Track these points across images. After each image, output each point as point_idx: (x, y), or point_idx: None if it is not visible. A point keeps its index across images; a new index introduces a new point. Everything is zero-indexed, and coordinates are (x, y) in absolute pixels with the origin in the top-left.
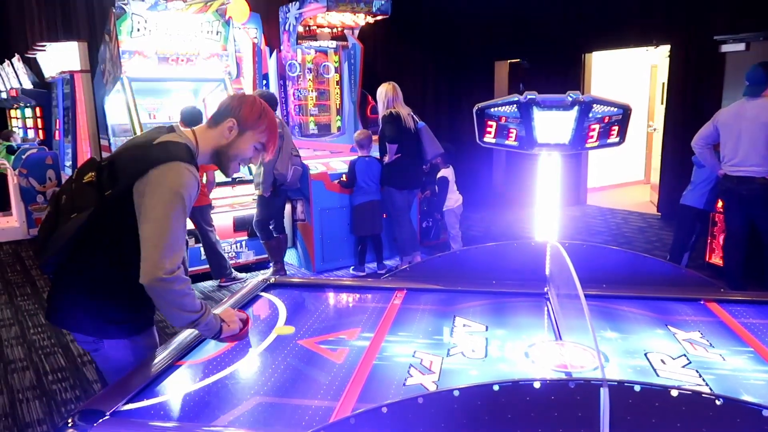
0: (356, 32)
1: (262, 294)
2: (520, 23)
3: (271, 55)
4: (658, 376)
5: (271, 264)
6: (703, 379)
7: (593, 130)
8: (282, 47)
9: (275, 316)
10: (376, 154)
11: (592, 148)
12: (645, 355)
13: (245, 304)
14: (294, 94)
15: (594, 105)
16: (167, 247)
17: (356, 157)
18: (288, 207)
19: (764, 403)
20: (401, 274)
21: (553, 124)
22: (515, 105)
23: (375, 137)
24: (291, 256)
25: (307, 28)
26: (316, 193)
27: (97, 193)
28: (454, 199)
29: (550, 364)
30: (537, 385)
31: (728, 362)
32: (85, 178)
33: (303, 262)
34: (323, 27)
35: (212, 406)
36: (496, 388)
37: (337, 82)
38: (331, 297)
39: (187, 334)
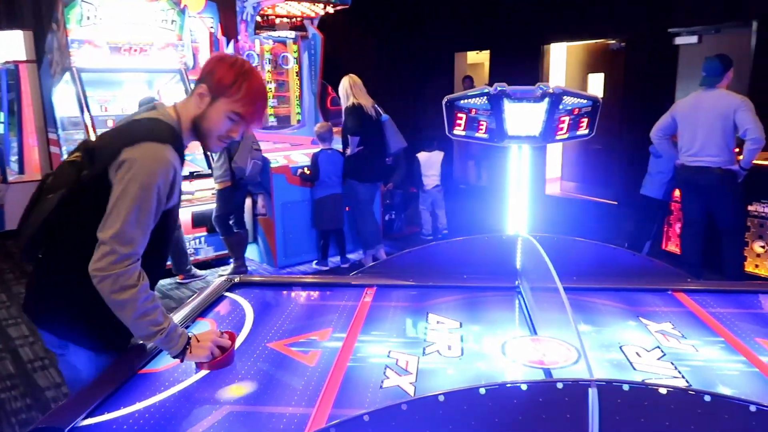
0: (316, 22)
1: (227, 294)
2: (480, 14)
3: (228, 45)
4: (635, 369)
5: (231, 260)
6: (679, 371)
7: (563, 122)
8: (239, 37)
9: (242, 318)
10: (338, 146)
11: (563, 140)
12: (620, 348)
13: (209, 306)
14: None
15: (564, 97)
16: (120, 237)
17: (318, 149)
18: (248, 201)
19: (744, 396)
20: (370, 271)
21: (524, 117)
22: (485, 97)
23: (337, 129)
24: (252, 252)
25: (266, 18)
26: (278, 186)
27: (77, 173)
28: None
29: (526, 360)
30: (524, 387)
31: (701, 353)
32: (71, 156)
33: (265, 258)
34: (282, 17)
35: (179, 418)
36: (482, 391)
37: (296, 73)
38: (300, 296)
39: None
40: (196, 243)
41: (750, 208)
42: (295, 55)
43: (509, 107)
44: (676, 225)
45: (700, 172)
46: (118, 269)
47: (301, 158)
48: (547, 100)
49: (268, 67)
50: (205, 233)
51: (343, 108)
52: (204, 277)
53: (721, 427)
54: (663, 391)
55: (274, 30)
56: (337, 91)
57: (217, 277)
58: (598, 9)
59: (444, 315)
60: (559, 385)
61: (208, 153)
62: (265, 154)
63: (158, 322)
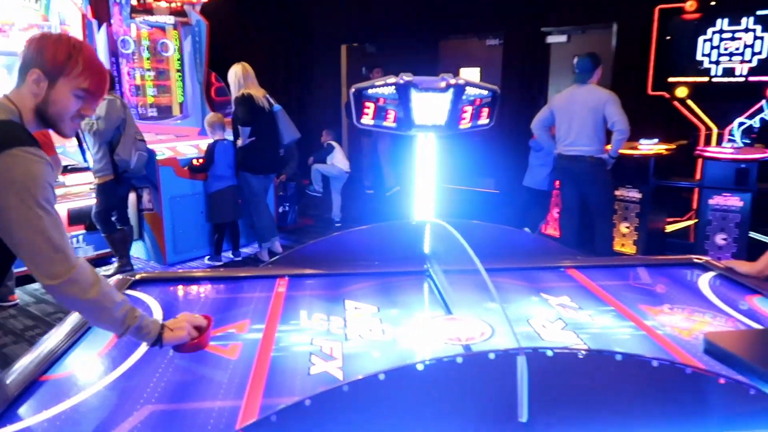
0: (198, 8)
1: (128, 292)
2: (370, 7)
3: (99, 30)
4: (543, 340)
5: (114, 259)
6: (581, 339)
7: (466, 112)
8: (112, 21)
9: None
10: (230, 137)
11: (466, 130)
12: (527, 321)
13: None
14: (129, 74)
15: (467, 88)
16: (52, 250)
17: (213, 140)
18: (132, 196)
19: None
20: (281, 261)
21: (430, 106)
22: (394, 87)
23: (228, 120)
24: (138, 249)
25: (142, 2)
26: (165, 180)
27: None
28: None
29: (445, 338)
30: (460, 360)
31: (596, 321)
32: None
33: (152, 255)
34: (160, 0)
35: (96, 422)
36: (420, 367)
37: (178, 60)
38: (209, 290)
39: (51, 341)
40: (73, 242)
41: (617, 192)
42: (176, 42)
43: (416, 97)
44: (554, 210)
45: (574, 160)
46: (70, 274)
47: (189, 150)
48: (451, 90)
49: (146, 54)
50: (83, 231)
51: (233, 98)
52: None
53: (630, 381)
54: (581, 355)
55: (152, 14)
56: (223, 80)
57: None
58: (479, 7)
59: (360, 301)
60: (491, 356)
61: (84, 145)
62: (150, 146)
63: (128, 309)
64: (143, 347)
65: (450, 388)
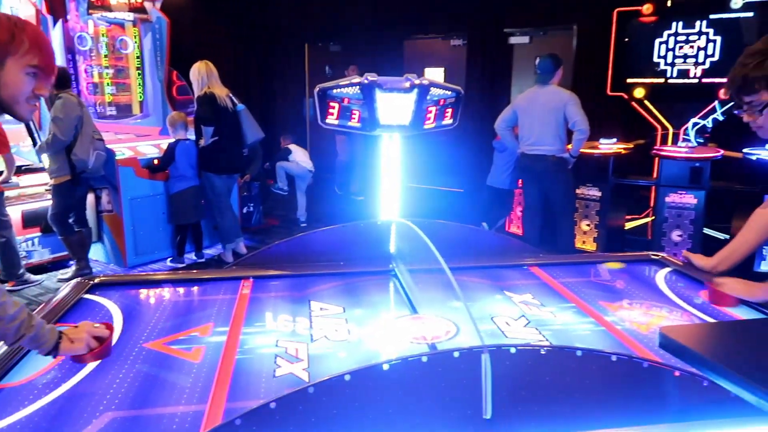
0: (158, 4)
1: (87, 296)
2: (335, 6)
3: (55, 26)
4: (506, 337)
5: (72, 262)
6: (543, 335)
7: (430, 112)
8: (69, 17)
9: (108, 321)
10: (192, 137)
11: (430, 130)
12: (491, 319)
13: (66, 312)
14: (86, 71)
15: (431, 88)
16: None
17: (174, 140)
18: (91, 197)
19: (607, 349)
20: (245, 263)
21: (395, 106)
22: (358, 87)
23: (190, 119)
24: (97, 252)
25: None
26: (125, 180)
27: None
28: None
29: (410, 337)
30: (425, 359)
31: (558, 318)
32: None
33: (112, 258)
34: None
35: (54, 431)
36: (386, 367)
37: (137, 58)
38: (171, 292)
39: (4, 348)
40: (28, 245)
41: (578, 191)
42: (136, 39)
43: (381, 97)
44: (517, 209)
45: (537, 159)
46: None
47: (149, 150)
48: (415, 91)
49: (104, 51)
50: (38, 234)
51: (196, 97)
52: (39, 282)
53: (590, 376)
54: (543, 351)
55: (110, 11)
56: (185, 79)
57: (57, 281)
58: (443, 8)
59: (326, 301)
60: (456, 354)
61: (37, 145)
62: (109, 146)
63: (24, 319)
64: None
65: (416, 387)
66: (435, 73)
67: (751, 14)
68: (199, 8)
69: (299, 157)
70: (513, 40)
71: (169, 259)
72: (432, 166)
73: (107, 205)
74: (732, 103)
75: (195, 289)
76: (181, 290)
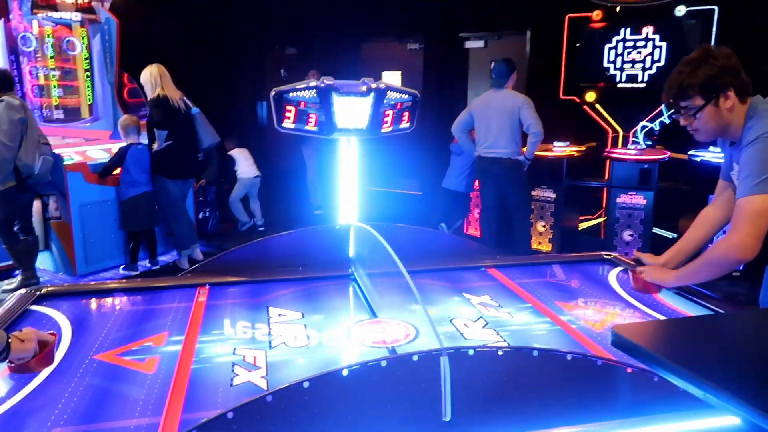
0: (107, 5)
1: (34, 308)
2: (291, 9)
3: None
4: (465, 339)
5: (18, 272)
6: (501, 336)
7: (388, 115)
8: (11, 16)
9: (57, 332)
10: (146, 141)
11: (387, 134)
12: (450, 321)
13: (11, 324)
14: (31, 73)
15: (388, 92)
16: None
17: (126, 144)
18: (37, 204)
19: (562, 348)
20: (201, 269)
21: (352, 110)
22: (315, 90)
23: (143, 123)
24: (44, 261)
25: None
26: (74, 186)
27: None
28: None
29: (370, 341)
30: (384, 363)
31: (515, 318)
32: None
33: (60, 266)
34: None
35: None
36: (345, 372)
37: (86, 59)
38: (123, 301)
39: None
40: None
41: (534, 193)
42: (84, 40)
43: (338, 101)
44: (475, 211)
45: (493, 162)
46: None
47: (100, 154)
48: (372, 94)
49: (50, 52)
50: None
51: (148, 99)
52: None
53: (547, 375)
54: (500, 352)
55: (56, 10)
56: (136, 82)
57: (2, 292)
58: (400, 12)
59: (284, 307)
60: (415, 357)
61: None
62: (56, 151)
63: None
64: (51, 366)
65: (376, 391)
66: (392, 77)
67: (693, 22)
68: (151, 10)
69: (243, 168)
70: (468, 44)
71: (122, 267)
72: (390, 169)
73: (55, 212)
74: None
75: (149, 297)
76: (134, 299)
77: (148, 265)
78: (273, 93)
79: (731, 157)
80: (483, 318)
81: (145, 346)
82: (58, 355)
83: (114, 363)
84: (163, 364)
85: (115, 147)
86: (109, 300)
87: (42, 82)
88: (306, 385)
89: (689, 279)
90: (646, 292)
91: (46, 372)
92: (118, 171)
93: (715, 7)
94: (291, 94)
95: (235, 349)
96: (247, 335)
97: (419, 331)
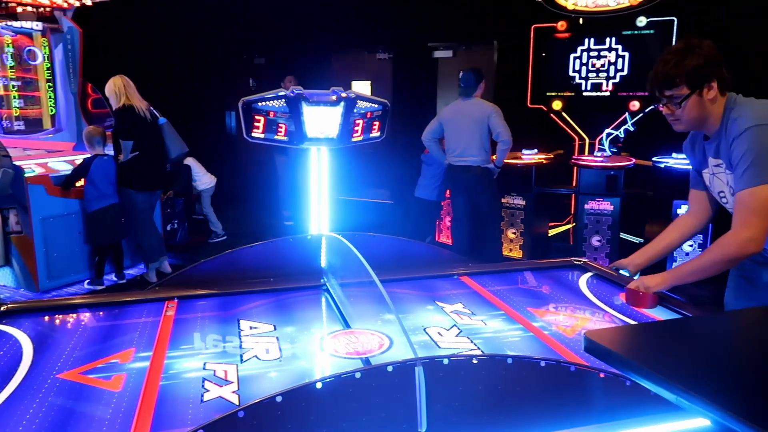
0: (69, 14)
1: None
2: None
3: None
4: (439, 347)
5: None
6: (475, 344)
7: (358, 125)
8: None
9: (17, 351)
10: (111, 152)
11: (358, 143)
12: (424, 330)
13: None
14: None
15: (358, 101)
16: None
17: (91, 155)
18: None
19: (536, 355)
20: (170, 282)
21: (322, 119)
22: (284, 99)
23: (109, 134)
24: (5, 277)
25: (4, 5)
26: (36, 199)
27: None
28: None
29: (343, 352)
30: (358, 375)
31: (489, 326)
32: None
33: (22, 282)
34: (25, 5)
35: None
36: (319, 385)
37: (48, 69)
38: (88, 317)
39: None
40: None
41: (503, 200)
42: (45, 50)
43: (307, 110)
44: (446, 219)
45: (463, 170)
46: None
47: (62, 166)
48: (342, 104)
49: (9, 62)
50: None
51: (114, 110)
52: None
53: (521, 382)
54: (475, 360)
55: (16, 19)
56: (101, 92)
57: None
58: (369, 24)
59: (256, 320)
60: (390, 368)
61: None
62: (16, 163)
63: None
64: (9, 387)
65: (350, 404)
66: (362, 86)
67: (652, 32)
68: (116, 19)
69: (203, 180)
70: (437, 54)
71: (87, 281)
72: (361, 178)
73: (16, 226)
74: (647, 109)
75: (115, 312)
76: (99, 315)
77: (115, 279)
78: (241, 102)
79: (705, 153)
80: (456, 326)
81: (111, 363)
82: (19, 375)
83: (78, 381)
84: (130, 381)
85: (79, 159)
86: (73, 316)
87: (1, 92)
88: (279, 399)
89: (690, 278)
90: (640, 307)
91: (5, 393)
92: (81, 183)
93: (674, 18)
94: (260, 104)
95: (205, 364)
96: (218, 349)
97: (393, 341)
